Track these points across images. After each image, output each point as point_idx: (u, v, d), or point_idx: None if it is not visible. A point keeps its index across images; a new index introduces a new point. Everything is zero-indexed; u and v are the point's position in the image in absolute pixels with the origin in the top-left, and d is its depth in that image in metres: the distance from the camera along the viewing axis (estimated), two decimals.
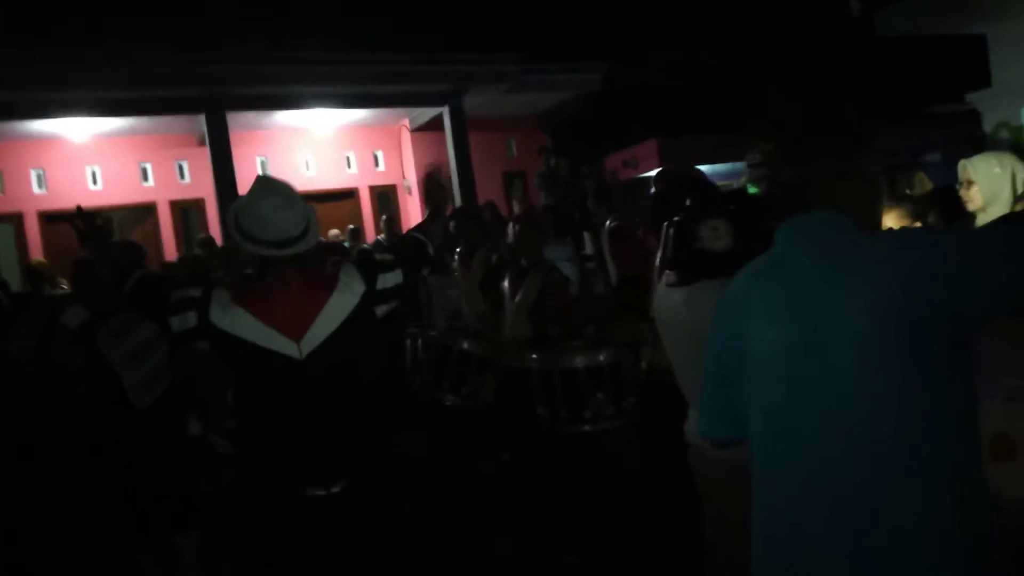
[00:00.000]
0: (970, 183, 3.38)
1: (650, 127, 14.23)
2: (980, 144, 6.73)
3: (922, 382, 1.31)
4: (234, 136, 10.10)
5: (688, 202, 2.33)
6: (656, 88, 17.82)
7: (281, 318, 2.28)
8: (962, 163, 3.47)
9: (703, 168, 9.56)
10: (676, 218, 2.32)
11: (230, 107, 9.94)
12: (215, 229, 10.32)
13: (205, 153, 10.16)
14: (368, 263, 2.50)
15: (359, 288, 2.39)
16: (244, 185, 10.34)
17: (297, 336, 2.28)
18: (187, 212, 11.39)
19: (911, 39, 8.06)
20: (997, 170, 3.32)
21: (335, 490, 2.32)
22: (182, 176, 11.38)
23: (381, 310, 2.46)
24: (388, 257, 2.56)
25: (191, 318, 2.28)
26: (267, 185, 2.41)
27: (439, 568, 3.75)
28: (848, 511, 1.34)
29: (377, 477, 2.48)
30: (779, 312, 1.46)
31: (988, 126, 7.21)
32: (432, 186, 2.92)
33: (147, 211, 11.14)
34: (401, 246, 2.77)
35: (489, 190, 11.80)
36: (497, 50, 11.04)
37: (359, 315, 2.37)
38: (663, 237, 2.48)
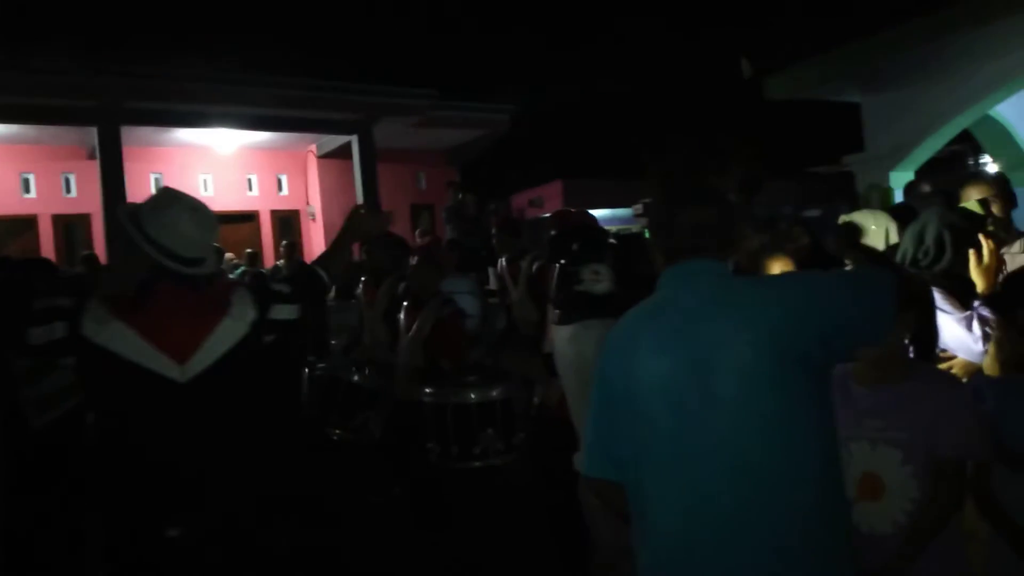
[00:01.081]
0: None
1: (556, 168, 14.62)
2: (854, 202, 7.28)
3: (796, 410, 1.47)
4: (127, 151, 9.70)
5: (574, 246, 2.43)
6: (562, 131, 18.36)
7: (167, 338, 2.11)
8: (842, 219, 3.80)
9: (605, 211, 9.89)
10: (562, 261, 2.42)
11: (125, 121, 9.55)
12: (100, 247, 9.80)
13: (94, 167, 9.70)
14: (262, 290, 2.37)
15: (251, 315, 2.27)
16: (134, 201, 10.00)
17: (182, 358, 2.12)
18: (71, 227, 10.78)
19: (795, 103, 8.68)
20: (873, 227, 3.68)
21: (204, 528, 2.14)
22: (68, 190, 10.80)
23: (267, 339, 2.35)
24: (285, 289, 2.42)
25: (58, 329, 2.05)
26: (184, 199, 2.25)
27: None
28: (731, 532, 1.44)
29: (251, 515, 2.33)
30: (667, 344, 1.55)
31: (860, 187, 7.81)
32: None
33: (26, 224, 10.47)
34: (298, 276, 2.62)
35: (397, 221, 11.77)
36: (410, 84, 11.12)
37: (248, 343, 2.25)
38: (552, 278, 2.57)
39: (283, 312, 2.37)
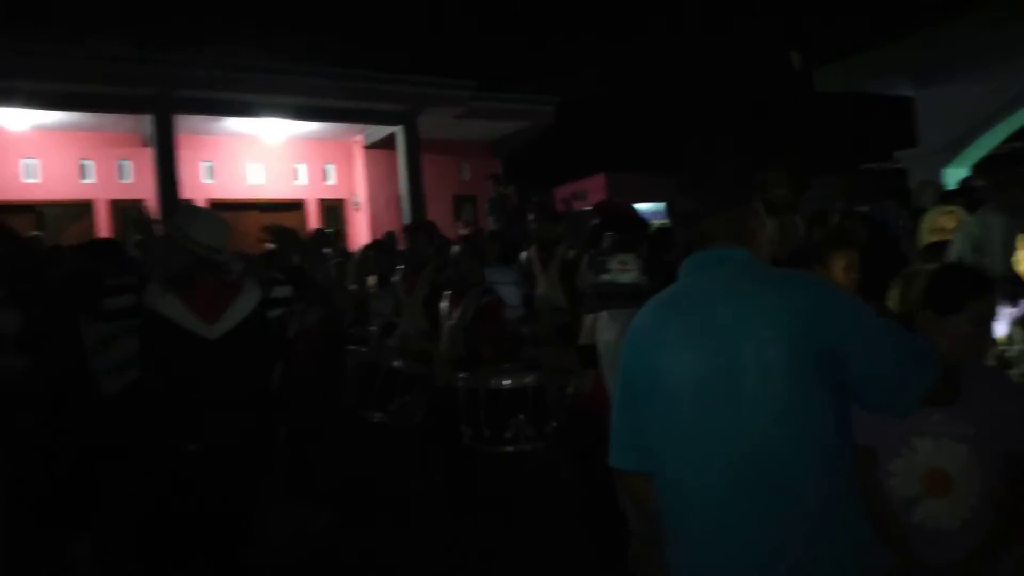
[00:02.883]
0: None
1: (600, 161, 14.54)
2: (906, 199, 7.11)
3: (816, 405, 1.46)
4: (180, 139, 9.95)
5: (606, 235, 2.45)
6: (607, 124, 18.24)
7: (202, 307, 2.94)
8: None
9: (648, 205, 9.82)
10: (592, 250, 2.45)
11: (179, 109, 9.80)
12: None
13: (149, 154, 9.98)
14: (264, 277, 3.26)
15: (257, 294, 3.11)
16: (187, 189, 10.25)
17: (212, 322, 2.94)
18: (127, 213, 11.13)
19: (846, 97, 8.50)
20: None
21: (228, 442, 2.91)
22: (124, 176, 11.13)
23: (273, 313, 3.23)
24: (280, 275, 3.39)
25: (127, 300, 2.93)
26: (206, 211, 3.30)
27: None
28: (757, 523, 1.45)
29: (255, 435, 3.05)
30: (693, 341, 1.54)
31: (913, 183, 7.62)
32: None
33: (84, 209, 10.84)
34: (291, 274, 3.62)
35: (439, 212, 11.87)
36: (454, 75, 11.19)
37: (256, 314, 3.09)
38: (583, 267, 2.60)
39: (280, 291, 3.29)
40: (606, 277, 2.29)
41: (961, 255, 3.53)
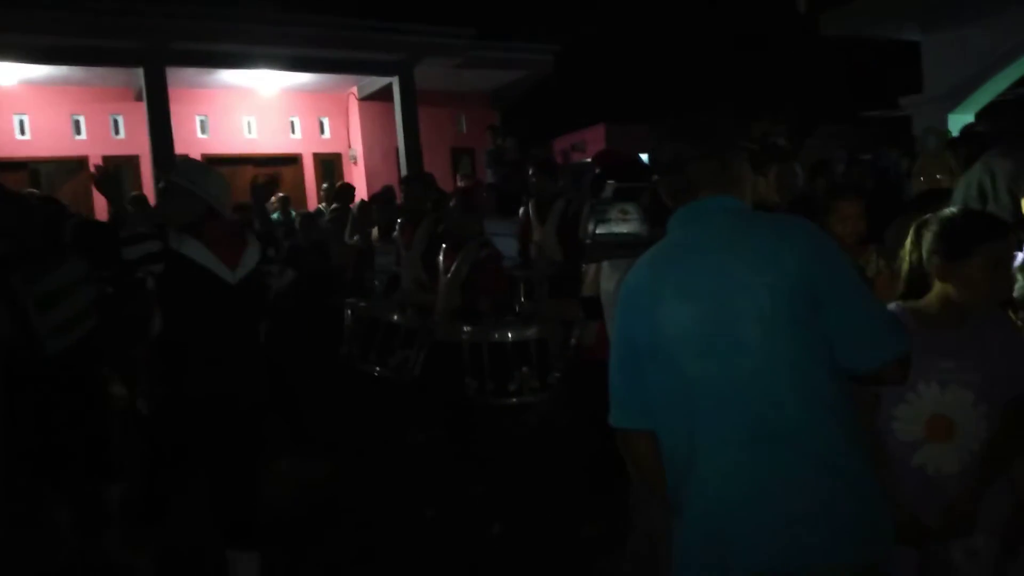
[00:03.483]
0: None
1: (599, 112, 14.33)
2: (909, 147, 7.02)
3: (813, 348, 1.47)
4: (173, 93, 9.79)
5: (607, 185, 2.41)
6: (607, 74, 17.95)
7: (222, 253, 2.98)
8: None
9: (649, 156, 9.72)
10: (593, 200, 2.41)
11: (170, 62, 9.61)
12: (149, 187, 10.01)
13: (142, 109, 9.82)
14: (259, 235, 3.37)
15: (258, 248, 3.17)
16: (182, 144, 10.12)
17: (232, 267, 3.00)
18: (121, 168, 11.01)
19: (851, 41, 8.33)
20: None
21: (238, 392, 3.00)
22: (117, 131, 10.98)
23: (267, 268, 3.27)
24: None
25: (152, 245, 2.86)
26: (206, 165, 3.20)
27: (369, 535, 3.79)
28: (762, 470, 1.46)
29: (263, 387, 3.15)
30: (689, 292, 1.53)
31: (917, 130, 7.52)
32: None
33: (78, 165, 10.72)
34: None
35: (437, 165, 11.74)
36: (451, 23, 10.95)
37: (260, 265, 3.15)
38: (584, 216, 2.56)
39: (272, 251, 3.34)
40: (606, 227, 2.26)
41: (966, 200, 3.49)
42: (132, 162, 10.92)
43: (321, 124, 12.44)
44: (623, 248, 2.24)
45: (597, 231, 2.26)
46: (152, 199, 8.87)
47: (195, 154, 10.94)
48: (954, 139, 5.29)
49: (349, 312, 4.31)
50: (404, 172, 10.80)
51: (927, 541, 1.80)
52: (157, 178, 9.45)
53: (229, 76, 10.70)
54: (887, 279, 2.67)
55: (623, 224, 2.24)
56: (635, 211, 2.25)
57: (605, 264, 2.48)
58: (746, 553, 1.46)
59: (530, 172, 5.79)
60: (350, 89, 12.26)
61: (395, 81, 11.10)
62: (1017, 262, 2.20)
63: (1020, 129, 3.92)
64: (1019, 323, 2.05)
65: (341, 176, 12.48)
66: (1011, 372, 1.85)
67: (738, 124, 1.68)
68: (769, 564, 1.44)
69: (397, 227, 5.28)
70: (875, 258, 3.11)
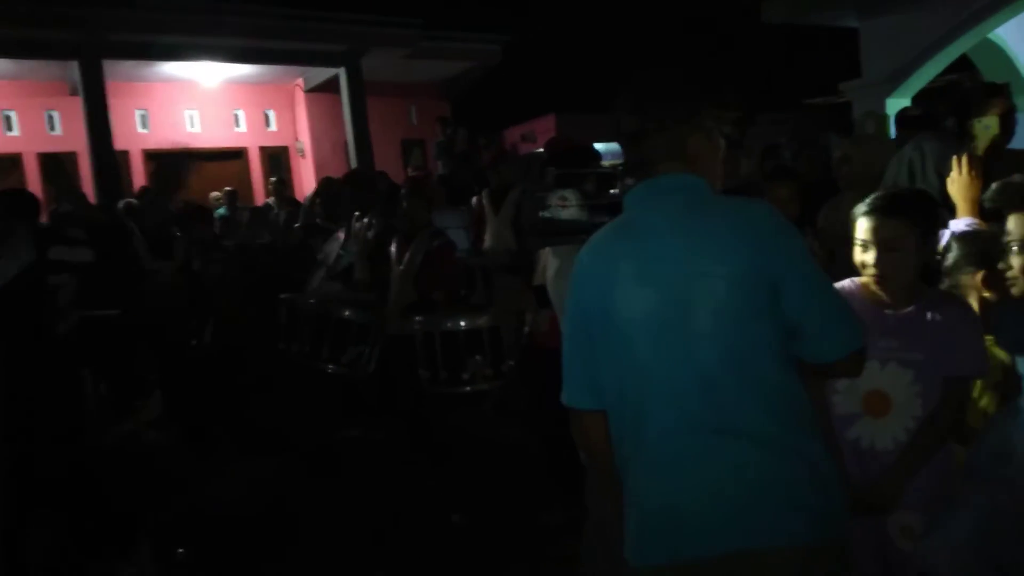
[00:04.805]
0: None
1: (550, 102, 14.38)
2: (849, 132, 7.20)
3: (768, 337, 1.46)
4: (111, 87, 9.48)
5: (549, 172, 2.42)
6: (556, 63, 17.99)
7: None
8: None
9: (599, 145, 9.78)
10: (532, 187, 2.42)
11: (107, 54, 9.30)
12: (88, 184, 9.68)
13: (78, 103, 9.49)
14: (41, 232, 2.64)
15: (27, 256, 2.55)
16: (121, 139, 9.84)
17: None
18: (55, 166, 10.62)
19: (793, 29, 8.50)
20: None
21: None
22: (52, 127, 10.59)
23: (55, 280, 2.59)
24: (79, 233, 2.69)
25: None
26: None
27: (330, 535, 3.75)
28: (708, 454, 1.45)
29: None
30: (646, 277, 1.50)
31: (857, 114, 7.72)
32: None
33: (11, 163, 10.31)
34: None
35: (387, 157, 11.62)
36: (397, 13, 10.83)
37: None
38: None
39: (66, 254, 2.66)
40: (546, 214, 2.27)
41: (896, 180, 3.60)
42: (70, 159, 10.55)
43: (267, 117, 12.20)
44: (563, 235, 2.25)
45: (538, 218, 2.27)
46: (92, 197, 8.60)
47: (136, 149, 10.62)
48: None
49: (285, 309, 4.24)
50: (355, 164, 10.67)
51: (860, 515, 1.83)
52: (96, 175, 9.17)
53: (169, 68, 10.41)
54: (821, 261, 2.73)
55: (563, 211, 2.25)
56: (574, 197, 2.26)
57: (548, 252, 2.50)
58: (696, 537, 1.46)
59: (488, 163, 5.79)
60: (296, 81, 12.04)
61: (342, 72, 10.94)
62: (943, 240, 2.27)
63: (953, 112, 4.04)
64: (956, 295, 2.08)
65: (288, 169, 12.27)
66: (952, 355, 1.87)
67: (693, 93, 1.57)
68: (723, 547, 1.44)
69: (343, 220, 5.19)
70: (808, 240, 3.19)
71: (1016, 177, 1.93)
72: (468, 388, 3.63)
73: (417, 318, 3.78)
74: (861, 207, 1.97)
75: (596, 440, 1.64)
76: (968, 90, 4.38)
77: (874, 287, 1.96)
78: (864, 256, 1.95)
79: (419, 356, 3.70)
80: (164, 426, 4.71)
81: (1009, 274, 1.82)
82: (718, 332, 1.44)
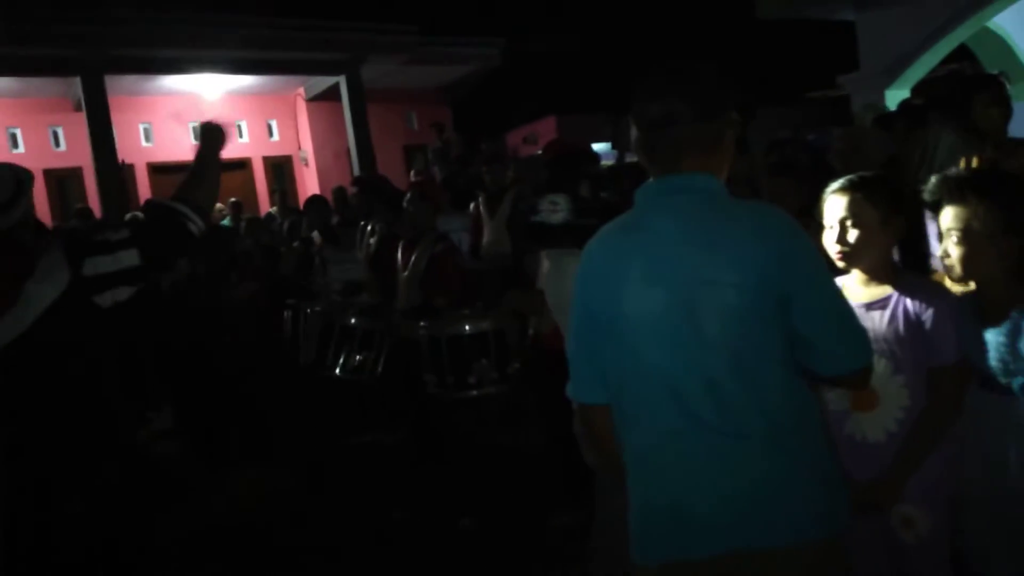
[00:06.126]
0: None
1: (551, 104, 14.41)
2: (849, 124, 7.20)
3: (775, 344, 1.47)
4: (114, 101, 9.54)
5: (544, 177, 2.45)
6: (556, 65, 18.01)
7: None
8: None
9: (600, 146, 9.81)
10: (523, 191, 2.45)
11: (109, 70, 9.36)
12: (94, 199, 9.75)
13: (82, 119, 9.56)
14: (76, 244, 2.11)
15: (63, 276, 2.00)
16: (125, 154, 9.91)
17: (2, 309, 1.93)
18: (64, 182, 10.70)
19: (789, 23, 8.51)
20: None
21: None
22: (57, 143, 10.67)
23: (106, 298, 2.06)
24: (121, 236, 2.12)
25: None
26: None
27: (340, 540, 3.77)
28: (711, 459, 1.46)
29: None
30: (657, 279, 1.49)
31: (856, 107, 7.71)
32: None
33: None
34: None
35: (390, 163, 11.66)
36: (395, 20, 10.87)
37: (62, 307, 1.99)
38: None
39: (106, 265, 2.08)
40: (537, 218, 2.30)
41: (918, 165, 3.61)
42: (76, 174, 10.63)
43: (269, 127, 12.26)
44: (554, 238, 2.28)
45: (530, 222, 2.29)
46: (98, 212, 8.67)
47: (140, 163, 10.69)
48: (890, 113, 5.42)
49: (289, 313, 4.27)
50: (357, 172, 10.71)
51: (863, 510, 1.84)
52: (102, 190, 9.23)
53: (171, 82, 10.47)
54: (822, 251, 2.74)
55: (553, 215, 2.28)
56: (564, 201, 2.28)
57: (543, 257, 2.54)
58: (702, 536, 1.47)
59: (484, 170, 5.81)
60: (297, 90, 12.10)
61: (342, 80, 10.98)
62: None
63: (954, 102, 4.04)
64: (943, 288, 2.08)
65: (293, 179, 12.32)
66: (927, 344, 1.87)
67: (730, 85, 1.55)
68: (728, 546, 1.45)
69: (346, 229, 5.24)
70: (812, 233, 3.20)
71: (952, 170, 1.95)
72: (475, 392, 3.63)
73: (422, 323, 3.80)
74: (826, 192, 2.00)
75: (602, 434, 1.65)
76: (964, 80, 4.37)
77: (857, 276, 1.98)
78: (830, 236, 1.96)
79: (425, 361, 3.71)
80: (175, 437, 4.76)
81: (947, 261, 1.85)
82: (725, 338, 1.44)
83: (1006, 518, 1.79)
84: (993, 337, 1.80)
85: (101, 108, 9.32)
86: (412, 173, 10.23)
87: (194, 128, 11.04)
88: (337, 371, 4.02)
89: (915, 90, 7.43)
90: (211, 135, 2.51)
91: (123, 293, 2.08)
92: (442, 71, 12.37)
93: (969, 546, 1.89)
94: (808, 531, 1.45)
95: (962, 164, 2.47)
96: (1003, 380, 1.80)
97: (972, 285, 1.91)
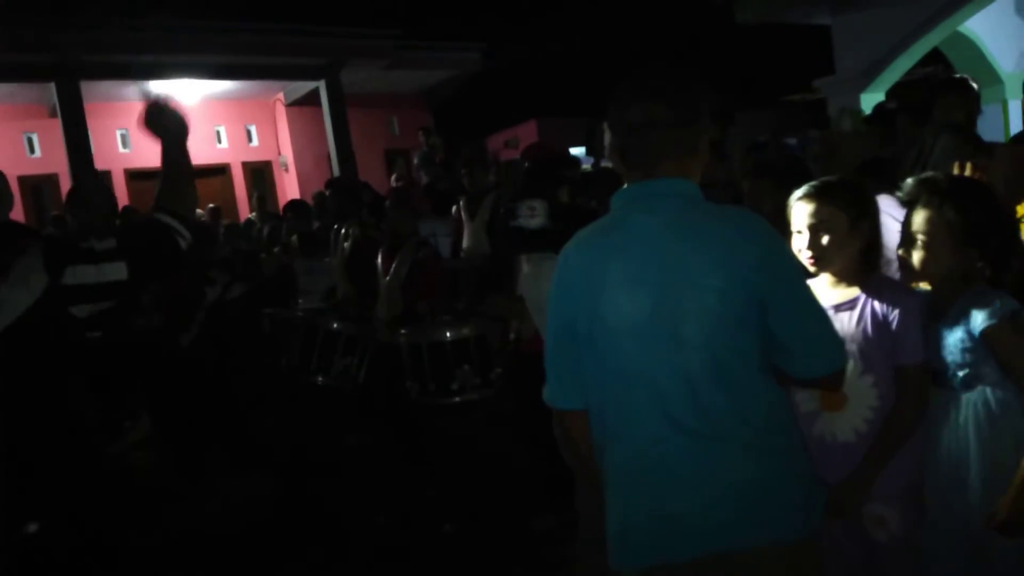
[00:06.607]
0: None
1: (532, 108, 14.43)
2: (826, 128, 7.29)
3: (752, 347, 1.48)
4: (90, 107, 9.44)
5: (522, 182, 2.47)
6: (537, 69, 18.06)
7: None
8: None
9: (581, 149, 9.84)
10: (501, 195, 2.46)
11: (84, 76, 9.26)
12: None
13: (57, 125, 9.45)
14: (58, 250, 2.01)
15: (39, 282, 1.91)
16: (102, 160, 9.80)
17: None
18: (39, 189, 10.57)
19: (766, 28, 8.59)
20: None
21: None
22: (32, 150, 10.54)
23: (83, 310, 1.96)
24: (106, 246, 2.01)
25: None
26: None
27: (325, 547, 3.75)
28: (700, 458, 1.47)
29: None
30: (635, 285, 1.50)
31: (832, 110, 7.80)
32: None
33: None
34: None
35: (370, 168, 11.63)
36: (376, 25, 10.86)
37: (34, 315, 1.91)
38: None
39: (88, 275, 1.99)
40: (515, 223, 2.31)
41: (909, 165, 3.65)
42: (51, 181, 10.50)
43: (248, 132, 12.18)
44: (531, 244, 2.29)
45: (508, 227, 2.30)
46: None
47: (118, 169, 10.58)
48: (888, 110, 5.45)
49: (268, 322, 4.25)
50: (336, 174, 10.67)
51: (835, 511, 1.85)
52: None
53: (149, 87, 10.37)
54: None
55: (531, 220, 2.29)
56: (541, 207, 2.29)
57: (523, 262, 2.55)
58: (682, 538, 1.48)
59: (463, 172, 5.79)
60: (276, 95, 12.04)
61: (322, 85, 10.95)
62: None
63: (927, 107, 4.09)
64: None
65: (272, 185, 12.26)
66: (894, 341, 1.89)
67: (710, 96, 1.58)
68: (708, 548, 1.47)
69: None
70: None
71: (930, 174, 1.97)
72: (457, 399, 3.64)
73: (403, 330, 3.79)
74: (792, 197, 2.01)
75: (579, 439, 1.66)
76: (934, 84, 4.43)
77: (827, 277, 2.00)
78: (799, 242, 1.98)
79: (407, 368, 3.71)
80: (154, 446, 4.71)
81: (909, 260, 1.89)
82: (704, 341, 1.45)
83: (949, 515, 1.83)
84: (946, 333, 1.85)
85: (77, 114, 9.22)
86: (393, 178, 10.21)
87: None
88: (320, 378, 4.01)
89: (889, 94, 7.54)
90: (157, 119, 2.26)
91: (104, 306, 2.00)
92: (423, 75, 12.37)
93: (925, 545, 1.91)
94: (787, 531, 1.48)
95: (955, 169, 2.48)
96: (948, 375, 1.86)
97: (924, 284, 1.95)
